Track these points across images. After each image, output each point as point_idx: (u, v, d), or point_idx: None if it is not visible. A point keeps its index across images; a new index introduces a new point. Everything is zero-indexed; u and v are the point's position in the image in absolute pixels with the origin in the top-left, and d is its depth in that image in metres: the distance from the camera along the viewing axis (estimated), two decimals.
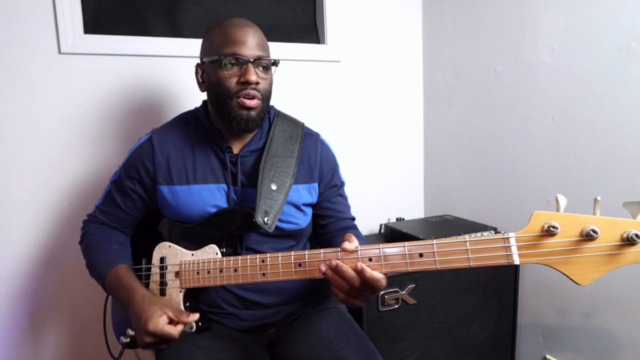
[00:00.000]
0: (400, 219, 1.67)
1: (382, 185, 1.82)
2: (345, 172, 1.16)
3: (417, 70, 1.85)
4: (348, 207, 1.14)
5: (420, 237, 1.38)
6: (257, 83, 0.92)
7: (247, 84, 0.90)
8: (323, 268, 0.76)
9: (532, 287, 1.47)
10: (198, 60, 1.01)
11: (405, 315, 1.32)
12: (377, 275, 0.74)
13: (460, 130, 1.70)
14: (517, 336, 1.50)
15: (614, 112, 1.18)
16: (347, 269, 0.74)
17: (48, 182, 1.31)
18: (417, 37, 1.83)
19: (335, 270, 0.75)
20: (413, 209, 1.91)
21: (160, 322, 0.83)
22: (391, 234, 1.54)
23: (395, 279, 1.29)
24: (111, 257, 0.96)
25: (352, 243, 0.77)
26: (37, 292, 1.34)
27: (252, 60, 0.91)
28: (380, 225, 1.66)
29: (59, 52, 1.28)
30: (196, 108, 1.06)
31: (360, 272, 0.74)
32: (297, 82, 1.60)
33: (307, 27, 1.67)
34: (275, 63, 0.97)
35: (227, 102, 0.93)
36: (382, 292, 1.28)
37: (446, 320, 1.38)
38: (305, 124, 1.09)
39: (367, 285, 0.74)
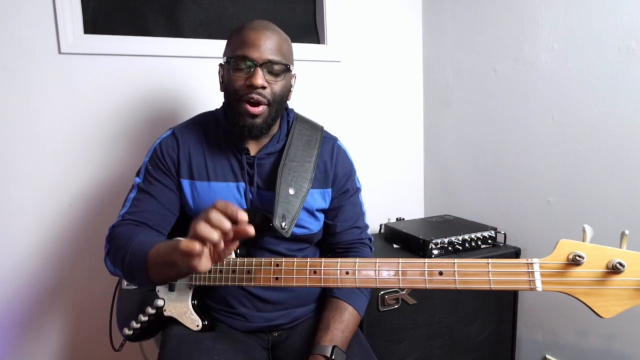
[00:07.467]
0: (400, 219, 1.67)
1: (382, 185, 1.82)
2: None
3: (417, 70, 1.85)
4: (359, 214, 1.10)
5: (420, 237, 1.38)
6: (264, 87, 0.90)
7: (252, 87, 0.90)
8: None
9: None
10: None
11: (405, 315, 1.32)
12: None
13: (460, 130, 1.70)
14: (517, 336, 1.50)
15: (614, 112, 1.18)
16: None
17: (48, 182, 1.31)
18: (417, 37, 1.83)
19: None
20: (413, 209, 1.91)
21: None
22: (391, 234, 1.54)
23: None
24: (139, 250, 0.83)
25: None
26: (37, 290, 1.34)
27: (260, 63, 0.90)
28: (380, 225, 1.66)
29: (59, 52, 1.28)
30: (217, 109, 1.06)
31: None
32: (297, 82, 1.59)
33: (307, 27, 1.67)
34: (289, 69, 0.95)
35: (234, 104, 0.93)
36: (382, 292, 1.27)
37: (446, 320, 1.38)
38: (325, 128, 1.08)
39: None
